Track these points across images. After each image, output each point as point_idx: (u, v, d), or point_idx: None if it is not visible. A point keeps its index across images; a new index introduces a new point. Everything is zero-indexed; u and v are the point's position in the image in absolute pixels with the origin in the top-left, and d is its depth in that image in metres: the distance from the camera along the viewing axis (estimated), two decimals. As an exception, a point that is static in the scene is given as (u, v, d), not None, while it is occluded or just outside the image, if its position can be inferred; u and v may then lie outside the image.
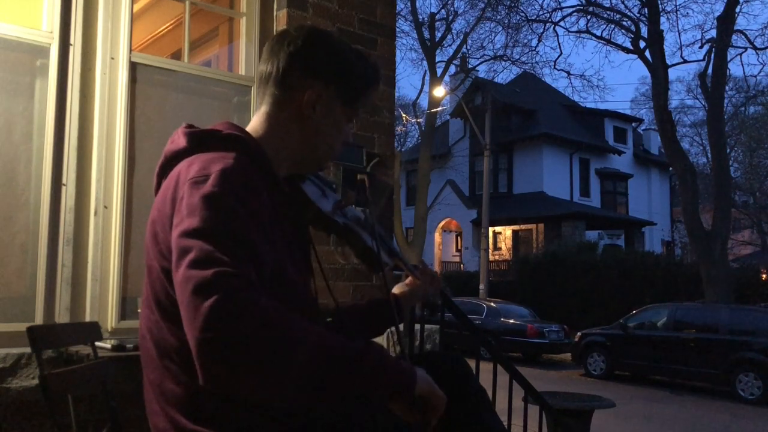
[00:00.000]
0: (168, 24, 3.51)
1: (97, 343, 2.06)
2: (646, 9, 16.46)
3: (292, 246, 1.31)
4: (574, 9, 18.48)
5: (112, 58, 2.48)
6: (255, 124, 1.37)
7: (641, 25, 16.96)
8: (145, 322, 1.28)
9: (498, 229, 24.59)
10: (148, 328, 1.27)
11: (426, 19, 23.19)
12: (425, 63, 22.87)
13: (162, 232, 1.20)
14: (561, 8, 18.89)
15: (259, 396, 1.02)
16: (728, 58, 15.69)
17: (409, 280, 1.68)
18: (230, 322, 0.95)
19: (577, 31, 18.92)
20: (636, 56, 17.04)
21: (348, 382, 1.03)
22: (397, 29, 4.02)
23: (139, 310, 2.28)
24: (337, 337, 1.05)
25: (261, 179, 1.22)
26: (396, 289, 1.68)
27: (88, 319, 2.34)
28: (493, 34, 27.90)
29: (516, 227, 24.49)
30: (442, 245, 27.53)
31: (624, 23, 17.66)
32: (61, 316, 2.30)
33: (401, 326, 1.66)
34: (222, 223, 1.07)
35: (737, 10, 15.65)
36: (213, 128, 1.31)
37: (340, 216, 1.42)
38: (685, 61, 23.78)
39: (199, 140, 1.28)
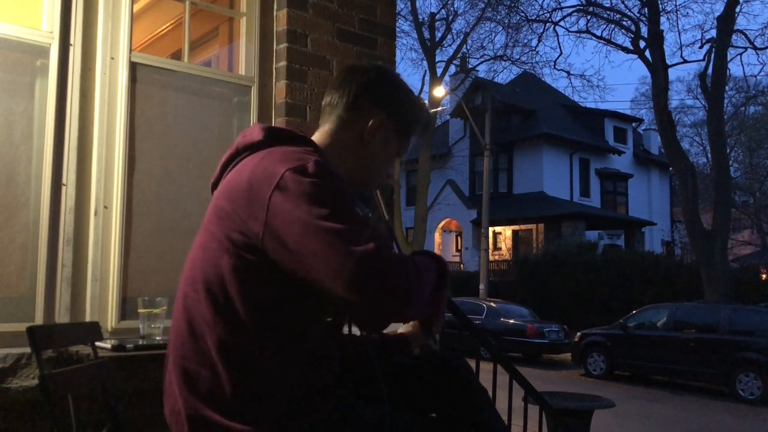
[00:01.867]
0: (168, 24, 3.51)
1: (97, 343, 2.06)
2: (646, 9, 16.47)
3: None
4: (574, 9, 18.51)
5: (112, 58, 2.48)
6: (317, 138, 1.47)
7: (641, 25, 16.98)
8: (182, 300, 1.32)
9: (498, 229, 24.59)
10: (184, 307, 1.31)
11: (426, 19, 23.20)
12: (425, 63, 22.89)
13: (235, 220, 1.24)
14: (561, 8, 18.96)
15: (417, 308, 1.28)
16: (728, 58, 15.71)
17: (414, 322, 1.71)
18: (404, 279, 1.17)
19: (577, 31, 18.96)
20: (636, 56, 17.05)
21: (439, 290, 1.35)
22: (397, 29, 4.02)
23: (139, 311, 2.28)
24: (425, 263, 1.32)
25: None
26: (403, 328, 1.73)
27: (88, 319, 2.34)
28: (493, 34, 27.97)
29: (516, 227, 24.49)
30: (442, 245, 27.53)
31: (624, 23, 17.68)
32: (61, 316, 2.30)
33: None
34: (346, 205, 1.20)
35: (737, 10, 15.68)
36: (286, 128, 1.44)
37: None
38: (685, 61, 23.84)
39: (277, 135, 1.37)
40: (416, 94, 1.62)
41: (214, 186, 1.41)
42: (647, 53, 16.18)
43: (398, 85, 1.51)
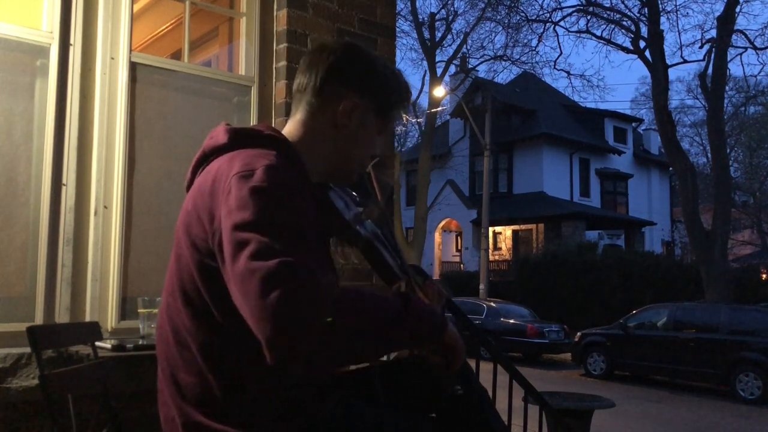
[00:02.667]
0: (168, 24, 3.51)
1: (97, 343, 2.06)
2: (646, 9, 16.46)
3: (322, 247, 1.34)
4: (574, 9, 18.48)
5: (112, 58, 2.48)
6: (289, 129, 1.40)
7: (641, 25, 16.96)
8: (165, 309, 1.31)
9: (498, 229, 24.59)
10: (168, 317, 1.29)
11: (426, 19, 23.20)
12: (425, 63, 22.89)
13: (198, 224, 1.22)
14: (561, 8, 18.90)
15: (343, 360, 1.17)
16: (728, 58, 15.69)
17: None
18: (300, 311, 1.00)
19: (577, 31, 18.92)
20: (636, 56, 17.03)
21: (396, 339, 1.17)
22: (397, 29, 4.02)
23: (139, 311, 2.29)
24: (382, 300, 1.15)
25: (299, 178, 1.25)
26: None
27: (88, 319, 2.34)
28: (493, 34, 27.96)
29: (516, 227, 24.48)
30: (442, 245, 27.52)
31: (624, 23, 17.66)
32: (61, 316, 2.30)
33: None
34: (274, 215, 1.10)
35: (737, 10, 15.66)
36: (254, 128, 1.36)
37: (361, 228, 1.43)
38: (685, 61, 23.73)
39: (240, 138, 1.31)
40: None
41: (188, 189, 1.38)
42: (647, 53, 16.17)
43: (369, 61, 1.41)
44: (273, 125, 1.38)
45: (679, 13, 26.41)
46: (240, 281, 1.04)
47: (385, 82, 1.41)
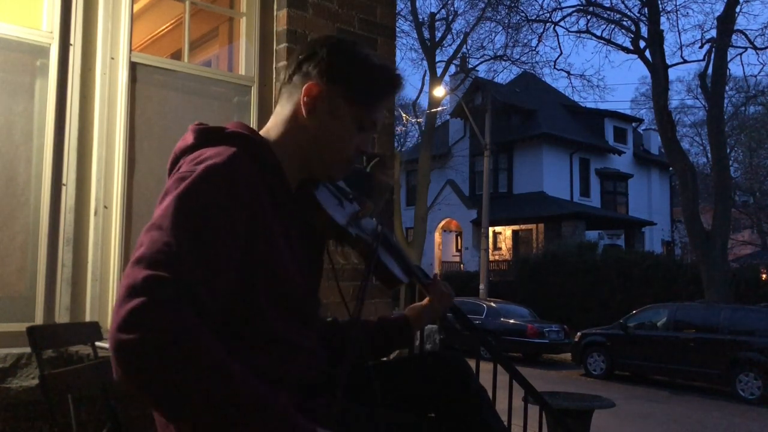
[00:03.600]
0: (168, 24, 3.51)
1: (97, 343, 2.06)
2: (646, 9, 16.46)
3: (298, 245, 1.29)
4: (574, 9, 18.48)
5: (112, 58, 2.48)
6: (268, 123, 1.37)
7: (641, 25, 16.96)
8: None
9: (498, 229, 24.59)
10: None
11: (426, 19, 23.19)
12: (425, 63, 22.88)
13: None
14: (561, 8, 18.88)
15: (160, 409, 0.97)
16: (728, 58, 15.69)
17: (424, 301, 1.66)
18: (145, 331, 0.92)
19: (577, 31, 18.91)
20: (636, 56, 17.03)
21: (243, 427, 0.94)
22: (397, 29, 4.02)
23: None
24: (249, 381, 0.96)
25: (261, 177, 1.21)
26: (408, 311, 1.67)
27: (88, 319, 2.34)
28: (493, 34, 27.89)
29: (516, 227, 24.49)
30: (442, 245, 27.52)
31: (624, 23, 17.66)
32: (61, 316, 2.30)
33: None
34: (184, 222, 1.05)
35: (737, 10, 15.66)
36: (221, 126, 1.31)
37: (354, 227, 1.38)
38: (685, 61, 23.74)
39: (205, 136, 1.27)
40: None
41: None
42: (647, 53, 16.17)
43: (349, 51, 1.34)
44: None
45: (679, 13, 26.39)
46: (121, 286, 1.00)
47: (363, 70, 1.33)
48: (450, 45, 23.77)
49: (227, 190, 1.12)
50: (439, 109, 23.55)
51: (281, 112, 1.34)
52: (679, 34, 42.07)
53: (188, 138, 1.30)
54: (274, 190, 1.23)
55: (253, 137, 1.28)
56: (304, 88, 1.30)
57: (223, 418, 0.93)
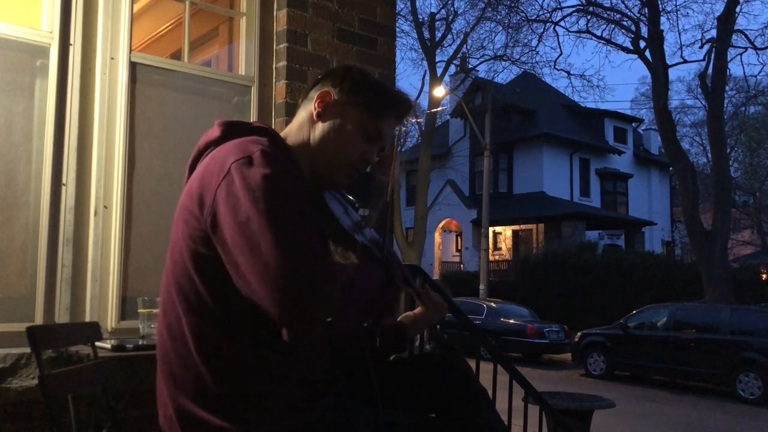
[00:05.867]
0: (168, 24, 3.51)
1: (97, 343, 2.06)
2: (646, 9, 16.46)
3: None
4: (574, 9, 18.46)
5: (112, 58, 2.48)
6: (284, 132, 1.45)
7: (641, 25, 16.96)
8: (162, 306, 1.32)
9: (498, 229, 24.59)
10: (164, 311, 1.30)
11: (426, 19, 23.19)
12: (425, 63, 22.87)
13: (193, 215, 1.22)
14: (561, 8, 18.84)
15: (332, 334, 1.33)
16: (728, 58, 15.69)
17: (418, 309, 1.67)
18: (318, 297, 1.09)
19: (577, 31, 18.90)
20: (636, 56, 17.02)
21: (378, 302, 1.29)
22: (397, 29, 4.02)
23: (139, 311, 2.29)
24: (371, 272, 1.28)
25: (292, 164, 1.29)
26: (403, 318, 1.68)
27: (88, 319, 2.34)
28: (493, 34, 27.84)
29: (516, 227, 24.48)
30: (442, 245, 27.51)
31: (624, 23, 17.65)
32: (61, 316, 2.30)
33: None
34: (285, 203, 1.14)
35: (737, 10, 15.65)
36: (246, 121, 1.42)
37: (359, 236, 1.41)
38: (685, 61, 23.64)
39: (232, 129, 1.35)
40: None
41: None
42: (647, 53, 16.17)
43: (363, 73, 1.47)
44: (272, 125, 1.40)
45: (679, 13, 26.36)
46: (264, 274, 1.08)
47: (376, 87, 1.44)
48: (450, 45, 23.78)
49: (292, 169, 1.23)
50: (439, 109, 23.55)
51: (296, 120, 1.44)
52: (679, 34, 42.05)
53: (214, 132, 1.36)
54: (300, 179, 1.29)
55: (278, 135, 1.37)
56: (317, 94, 1.41)
57: (378, 299, 1.28)
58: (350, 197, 1.51)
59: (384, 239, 1.45)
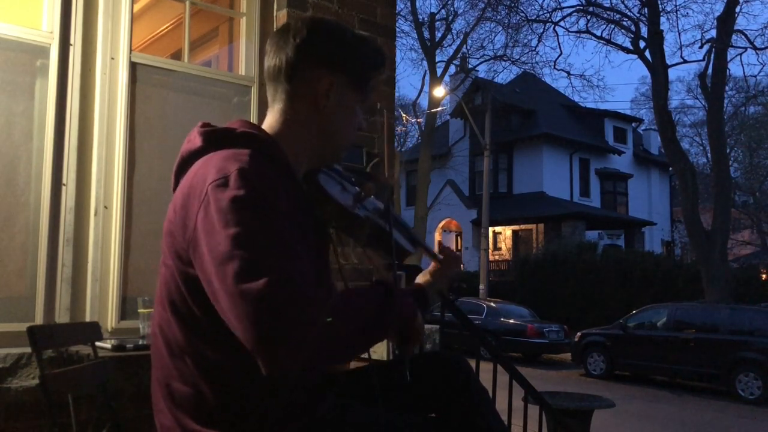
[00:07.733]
0: (168, 24, 3.51)
1: (97, 343, 2.07)
2: (646, 9, 16.46)
3: (309, 242, 1.29)
4: (574, 9, 18.46)
5: (112, 58, 2.48)
6: (270, 121, 1.36)
7: (641, 25, 16.96)
8: (157, 319, 1.29)
9: (498, 229, 24.58)
10: (159, 326, 1.27)
11: (426, 19, 23.20)
12: (425, 63, 22.90)
13: (178, 233, 1.19)
14: (561, 8, 18.84)
15: (323, 368, 1.29)
16: (728, 58, 15.69)
17: (431, 266, 1.66)
18: (292, 328, 1.01)
19: (577, 31, 18.89)
20: (636, 56, 17.03)
21: (381, 330, 1.21)
22: (397, 29, 4.02)
23: (139, 311, 2.29)
24: (366, 299, 1.19)
25: (277, 176, 1.21)
26: (420, 279, 1.63)
27: (88, 319, 2.34)
28: (493, 34, 27.81)
29: (516, 227, 24.48)
30: (442, 245, 27.50)
31: (624, 23, 17.65)
32: (61, 316, 2.30)
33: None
34: (256, 227, 1.08)
35: (737, 10, 15.66)
36: (228, 126, 1.32)
37: (360, 209, 1.39)
38: (685, 61, 23.63)
39: (215, 139, 1.29)
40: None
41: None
42: (647, 53, 16.17)
43: (336, 33, 1.36)
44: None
45: (679, 13, 26.31)
46: (230, 303, 1.03)
47: (357, 52, 1.37)
48: (450, 45, 23.81)
49: (268, 189, 1.15)
50: (439, 109, 23.56)
51: (289, 111, 1.34)
52: (679, 34, 42.17)
53: (195, 141, 1.31)
54: (288, 189, 1.23)
55: (263, 138, 1.29)
56: (318, 86, 1.32)
57: (375, 326, 1.18)
58: (343, 171, 1.48)
59: (387, 207, 1.43)
